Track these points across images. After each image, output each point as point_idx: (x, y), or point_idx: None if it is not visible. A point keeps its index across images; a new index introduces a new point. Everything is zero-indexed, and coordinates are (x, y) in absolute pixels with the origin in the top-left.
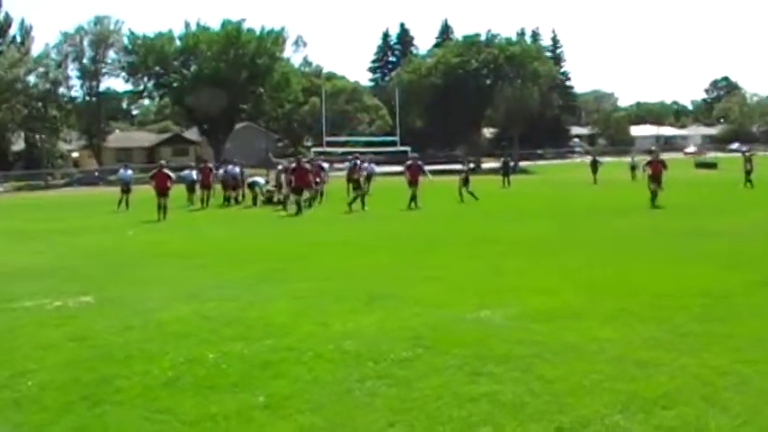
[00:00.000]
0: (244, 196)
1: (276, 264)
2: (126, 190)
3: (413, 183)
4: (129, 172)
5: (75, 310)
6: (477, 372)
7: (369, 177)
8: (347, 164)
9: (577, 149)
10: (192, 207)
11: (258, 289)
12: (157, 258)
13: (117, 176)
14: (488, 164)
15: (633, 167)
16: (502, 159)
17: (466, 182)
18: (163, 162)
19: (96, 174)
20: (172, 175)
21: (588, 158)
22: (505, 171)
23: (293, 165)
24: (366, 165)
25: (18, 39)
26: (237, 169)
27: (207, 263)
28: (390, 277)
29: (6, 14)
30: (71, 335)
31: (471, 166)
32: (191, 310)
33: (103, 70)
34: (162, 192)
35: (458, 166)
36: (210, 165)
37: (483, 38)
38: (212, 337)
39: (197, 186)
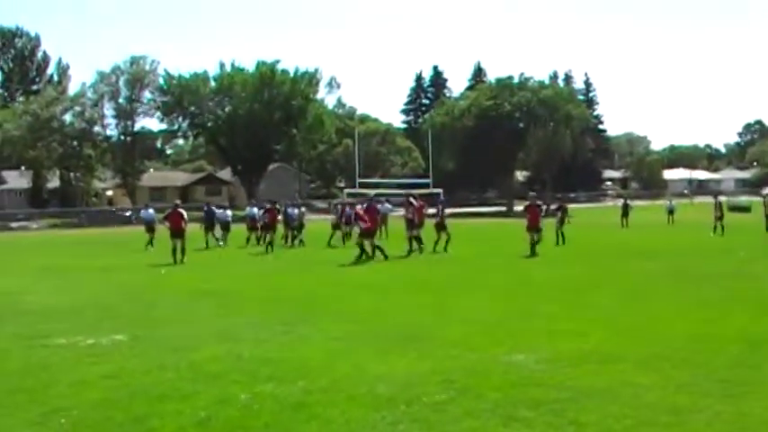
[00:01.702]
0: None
1: (310, 304)
2: (150, 229)
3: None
4: (151, 211)
5: (109, 348)
6: (510, 416)
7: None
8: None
9: (610, 192)
10: (251, 247)
11: (291, 329)
12: (190, 297)
13: (141, 216)
14: (520, 207)
15: (671, 211)
16: (539, 203)
17: (561, 222)
18: (178, 201)
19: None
20: (185, 215)
21: (620, 202)
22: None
23: (365, 205)
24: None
25: (55, 78)
26: (296, 210)
27: (240, 302)
28: (423, 319)
29: (44, 53)
30: (105, 373)
31: (553, 206)
32: (224, 349)
33: (139, 110)
34: (176, 233)
35: (553, 206)
36: (277, 205)
37: (516, 80)
38: (245, 377)
39: (258, 226)
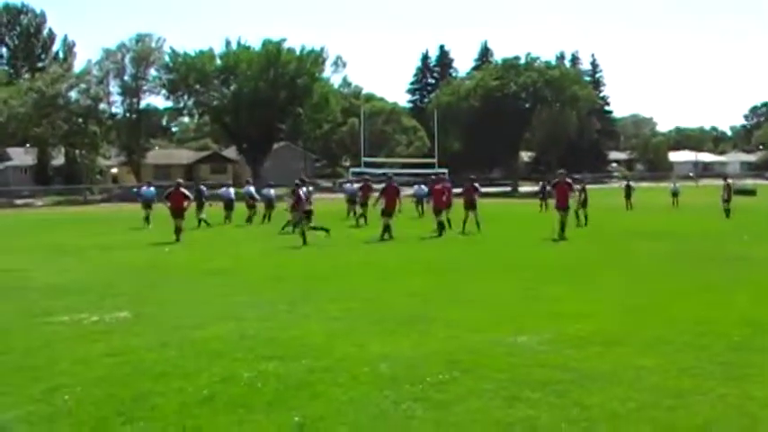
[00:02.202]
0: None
1: (313, 283)
2: (147, 206)
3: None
4: (152, 189)
5: (112, 326)
6: (514, 397)
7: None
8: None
9: (615, 174)
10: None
11: (294, 308)
12: (193, 275)
13: (140, 193)
14: (525, 187)
15: (675, 193)
16: (541, 183)
17: (584, 203)
18: (180, 180)
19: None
20: (189, 194)
21: (623, 183)
22: (544, 195)
23: (384, 184)
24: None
25: (61, 55)
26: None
27: (242, 281)
28: (426, 300)
29: (50, 30)
30: (107, 350)
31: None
32: (226, 328)
33: (144, 87)
34: (177, 212)
35: (576, 187)
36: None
37: (522, 61)
38: (248, 355)
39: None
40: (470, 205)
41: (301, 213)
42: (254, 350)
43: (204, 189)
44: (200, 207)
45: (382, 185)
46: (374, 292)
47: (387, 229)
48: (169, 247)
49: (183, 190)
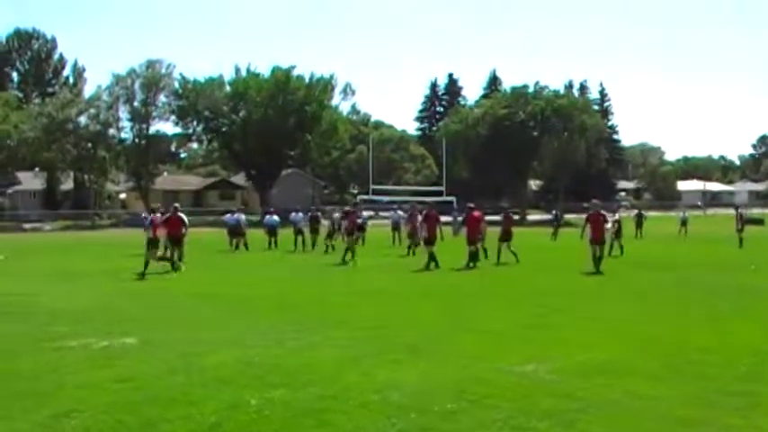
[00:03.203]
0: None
1: (320, 310)
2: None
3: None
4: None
5: (120, 352)
6: (521, 427)
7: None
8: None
9: (623, 203)
10: (240, 253)
11: (302, 335)
12: (201, 301)
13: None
14: (534, 216)
15: (683, 222)
16: (554, 212)
17: (618, 233)
18: (177, 205)
19: (143, 216)
20: (186, 220)
21: (633, 212)
22: (557, 223)
23: (424, 211)
24: (392, 213)
25: (71, 80)
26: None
27: (250, 307)
28: (434, 328)
29: (60, 56)
30: (115, 376)
31: (617, 216)
32: (234, 355)
33: (153, 113)
34: (174, 239)
35: (610, 216)
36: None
37: (531, 90)
38: (255, 382)
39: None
40: (508, 236)
41: (356, 238)
42: (261, 377)
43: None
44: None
45: (423, 213)
46: (381, 319)
47: (431, 257)
48: (176, 273)
49: (180, 215)
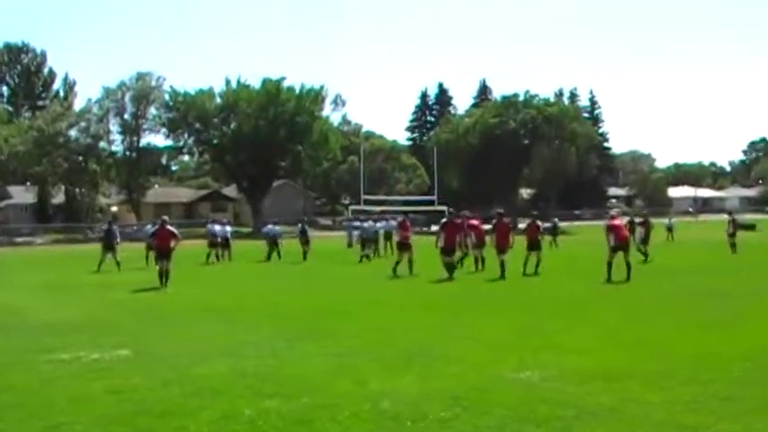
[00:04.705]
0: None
1: (313, 320)
2: (148, 246)
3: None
4: (149, 227)
5: (112, 364)
6: None
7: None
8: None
9: (614, 211)
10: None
11: (294, 345)
12: (193, 313)
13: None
14: (525, 224)
15: (669, 229)
16: (553, 220)
17: (646, 239)
18: (165, 217)
19: (135, 228)
20: (176, 232)
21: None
22: (554, 232)
23: (443, 221)
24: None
25: (61, 93)
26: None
27: (243, 318)
28: (428, 336)
29: (50, 69)
30: (107, 388)
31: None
32: (227, 365)
33: (144, 126)
34: (163, 253)
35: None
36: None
37: (521, 98)
38: (249, 393)
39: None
40: (536, 245)
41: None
42: (254, 387)
43: (150, 227)
44: (109, 249)
45: (442, 221)
46: (375, 328)
47: (449, 268)
48: (171, 288)
49: (170, 228)
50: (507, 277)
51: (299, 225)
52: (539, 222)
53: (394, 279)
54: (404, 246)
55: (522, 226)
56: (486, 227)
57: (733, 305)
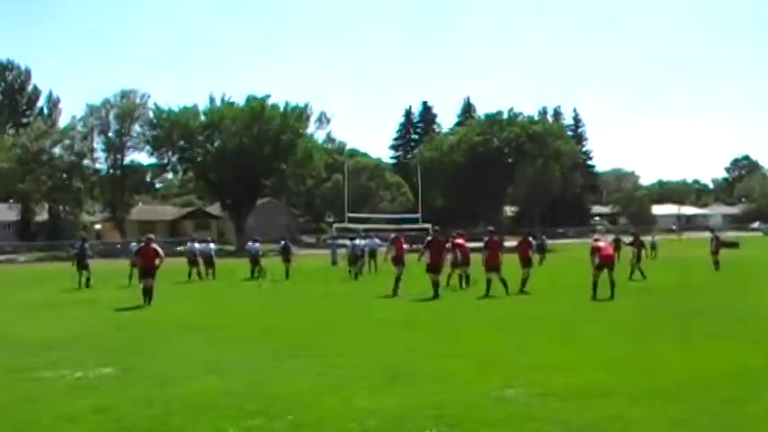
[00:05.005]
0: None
1: (299, 338)
2: (133, 264)
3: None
4: (133, 245)
5: (96, 382)
6: None
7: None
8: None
9: (598, 228)
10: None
11: (280, 363)
12: (177, 330)
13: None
14: (511, 242)
15: (653, 246)
16: (543, 237)
17: (639, 257)
18: (150, 235)
19: (119, 246)
20: (161, 251)
21: (610, 237)
22: (542, 249)
23: (428, 239)
24: (368, 240)
25: (45, 111)
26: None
27: (227, 336)
28: (413, 354)
29: (35, 87)
30: (92, 407)
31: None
32: (213, 383)
33: (128, 143)
34: (147, 271)
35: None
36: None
37: (505, 116)
38: (234, 411)
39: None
40: (528, 262)
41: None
42: (240, 406)
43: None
44: (83, 268)
45: (427, 239)
46: (361, 346)
47: (435, 286)
48: (155, 306)
49: (154, 246)
50: (493, 295)
51: (282, 242)
52: (530, 239)
53: (382, 298)
54: (398, 261)
55: (508, 244)
56: (478, 245)
57: (717, 322)
